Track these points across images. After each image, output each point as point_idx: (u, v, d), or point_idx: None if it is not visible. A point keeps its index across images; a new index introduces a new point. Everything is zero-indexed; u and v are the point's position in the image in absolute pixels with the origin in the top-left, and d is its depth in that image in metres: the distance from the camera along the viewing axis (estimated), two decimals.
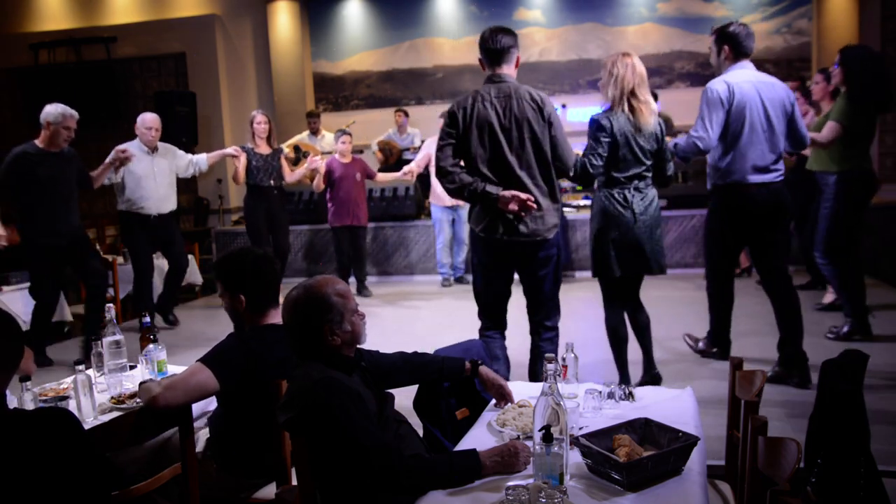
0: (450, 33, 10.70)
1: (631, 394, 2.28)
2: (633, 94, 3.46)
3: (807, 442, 2.24)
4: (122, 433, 2.00)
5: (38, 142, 4.92)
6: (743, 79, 3.83)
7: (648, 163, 3.56)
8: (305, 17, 10.87)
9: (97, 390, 2.62)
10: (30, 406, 2.33)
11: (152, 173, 5.67)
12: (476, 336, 2.84)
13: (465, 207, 6.94)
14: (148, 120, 5.69)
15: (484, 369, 2.38)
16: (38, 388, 2.62)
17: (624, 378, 3.71)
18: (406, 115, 9.43)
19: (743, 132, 3.80)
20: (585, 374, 2.67)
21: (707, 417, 2.33)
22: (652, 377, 3.73)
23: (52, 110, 4.88)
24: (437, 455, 1.98)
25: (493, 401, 2.34)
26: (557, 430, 1.67)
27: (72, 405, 2.44)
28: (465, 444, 2.03)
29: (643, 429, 1.92)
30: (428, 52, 10.80)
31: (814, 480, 2.16)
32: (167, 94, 9.79)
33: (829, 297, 5.58)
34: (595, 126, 3.49)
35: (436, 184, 6.98)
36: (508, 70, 3.34)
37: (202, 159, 6.08)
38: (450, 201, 7.02)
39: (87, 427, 2.11)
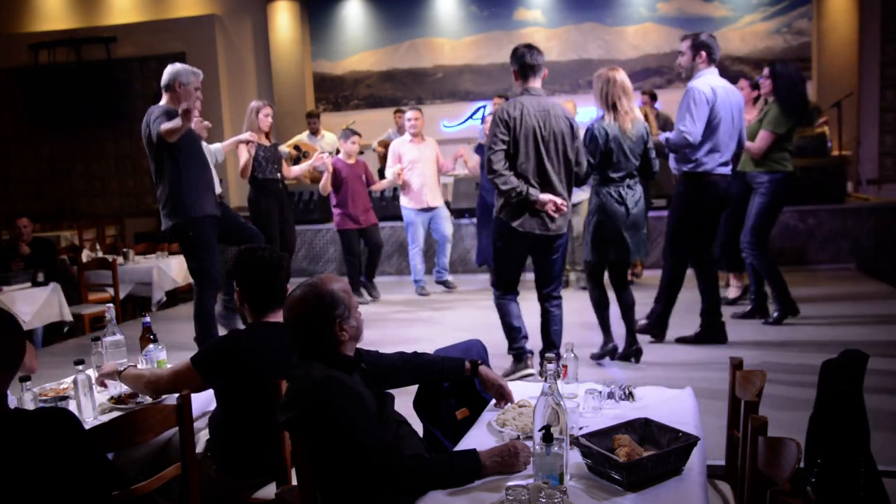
0: (450, 33, 10.70)
1: (631, 394, 2.29)
2: (616, 105, 4.02)
3: (807, 442, 2.25)
4: (122, 433, 2.00)
5: (166, 104, 4.31)
6: (719, 84, 4.39)
7: (637, 162, 4.11)
8: (305, 17, 10.88)
9: (97, 390, 2.63)
10: (30, 406, 2.34)
11: (208, 164, 5.06)
12: (475, 335, 2.85)
13: (441, 207, 6.80)
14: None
15: (484, 369, 2.38)
16: (38, 388, 2.62)
17: (607, 337, 4.33)
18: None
19: (717, 130, 4.35)
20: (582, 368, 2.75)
21: (707, 417, 2.33)
22: (634, 351, 4.31)
23: (181, 69, 4.32)
24: (437, 455, 1.98)
25: (493, 401, 2.35)
26: (557, 430, 1.68)
27: (72, 405, 2.44)
28: (465, 444, 2.04)
29: (643, 429, 1.92)
30: (428, 52, 10.80)
31: (814, 480, 2.16)
32: None
33: (733, 291, 5.79)
34: (589, 136, 4.06)
35: (414, 184, 6.66)
36: (539, 83, 3.92)
37: (218, 149, 5.66)
38: (432, 202, 6.73)
39: (86, 427, 2.11)
